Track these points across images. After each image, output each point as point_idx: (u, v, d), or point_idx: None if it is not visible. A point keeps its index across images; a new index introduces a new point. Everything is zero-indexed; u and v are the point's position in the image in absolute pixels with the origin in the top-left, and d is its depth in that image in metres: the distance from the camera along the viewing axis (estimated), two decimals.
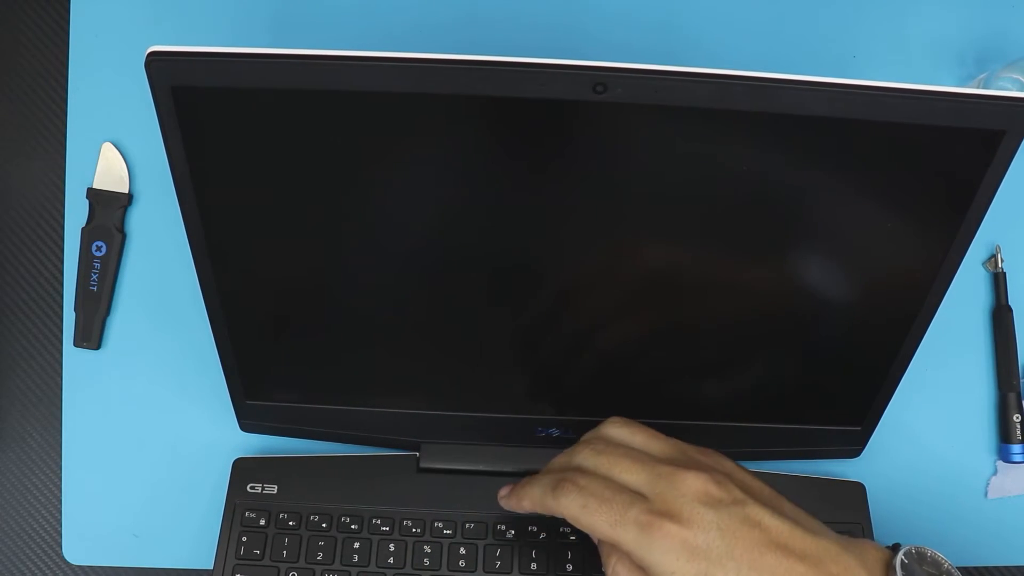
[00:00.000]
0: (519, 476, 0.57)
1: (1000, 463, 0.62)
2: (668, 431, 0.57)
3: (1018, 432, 0.61)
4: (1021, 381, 0.62)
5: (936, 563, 0.44)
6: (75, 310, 0.61)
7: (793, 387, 0.57)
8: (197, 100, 0.43)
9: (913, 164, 0.46)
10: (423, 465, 0.58)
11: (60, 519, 0.60)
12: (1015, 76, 0.61)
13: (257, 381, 0.56)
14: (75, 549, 0.59)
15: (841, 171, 0.46)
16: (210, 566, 0.56)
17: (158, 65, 0.41)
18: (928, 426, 0.62)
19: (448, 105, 0.43)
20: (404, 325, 0.54)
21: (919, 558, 0.44)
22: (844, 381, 0.56)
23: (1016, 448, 0.61)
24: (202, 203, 0.47)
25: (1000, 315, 0.62)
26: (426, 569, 0.55)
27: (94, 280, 0.61)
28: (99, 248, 0.61)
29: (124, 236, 0.61)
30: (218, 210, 0.48)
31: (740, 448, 0.58)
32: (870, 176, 0.47)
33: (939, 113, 0.43)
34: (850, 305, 0.52)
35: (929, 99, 0.42)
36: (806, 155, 0.46)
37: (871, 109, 0.43)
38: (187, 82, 0.42)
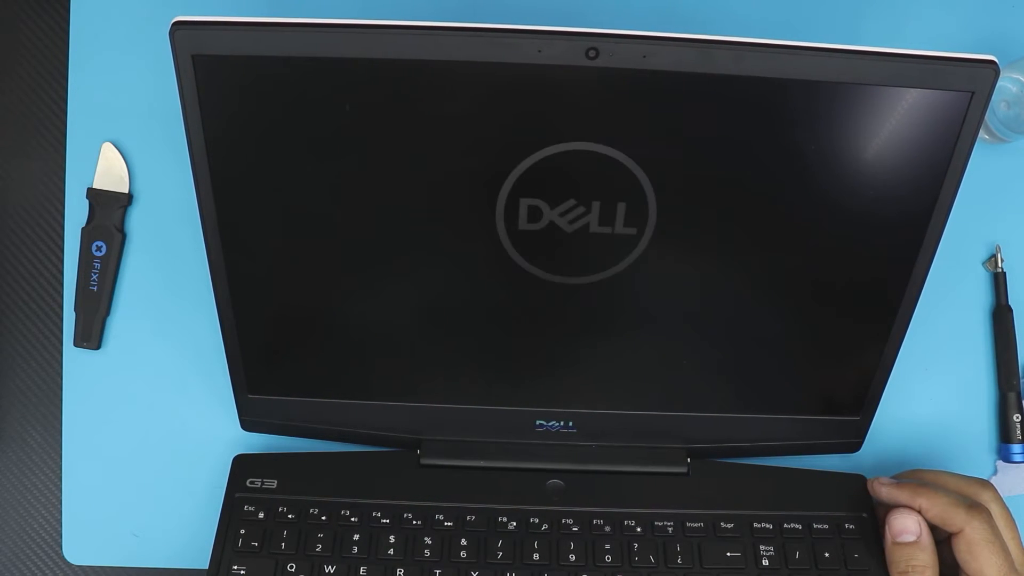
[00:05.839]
0: (519, 472, 0.57)
1: (1000, 463, 0.62)
2: (666, 424, 0.58)
3: (1018, 432, 0.61)
4: (1021, 381, 0.62)
5: None
6: (75, 310, 0.61)
7: (789, 374, 0.57)
8: (217, 68, 0.45)
9: (891, 129, 0.47)
10: (424, 462, 0.58)
11: (60, 519, 0.60)
12: (1015, 76, 0.61)
13: (260, 374, 0.56)
14: (75, 549, 0.59)
15: (823, 138, 0.48)
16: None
17: (182, 33, 0.44)
18: (928, 426, 0.62)
19: (454, 71, 0.45)
20: (407, 315, 0.55)
21: None
22: (839, 366, 0.57)
23: (1016, 448, 0.61)
24: (215, 176, 0.48)
25: (1000, 315, 0.62)
26: (427, 560, 0.54)
27: (94, 280, 0.61)
28: (99, 248, 0.61)
29: (124, 236, 0.61)
30: (230, 183, 0.49)
31: (741, 442, 0.59)
32: (851, 143, 0.48)
33: (909, 76, 0.45)
34: (837, 279, 0.53)
35: (898, 62, 0.45)
36: (788, 120, 0.47)
37: (846, 72, 0.45)
38: (208, 50, 0.44)
